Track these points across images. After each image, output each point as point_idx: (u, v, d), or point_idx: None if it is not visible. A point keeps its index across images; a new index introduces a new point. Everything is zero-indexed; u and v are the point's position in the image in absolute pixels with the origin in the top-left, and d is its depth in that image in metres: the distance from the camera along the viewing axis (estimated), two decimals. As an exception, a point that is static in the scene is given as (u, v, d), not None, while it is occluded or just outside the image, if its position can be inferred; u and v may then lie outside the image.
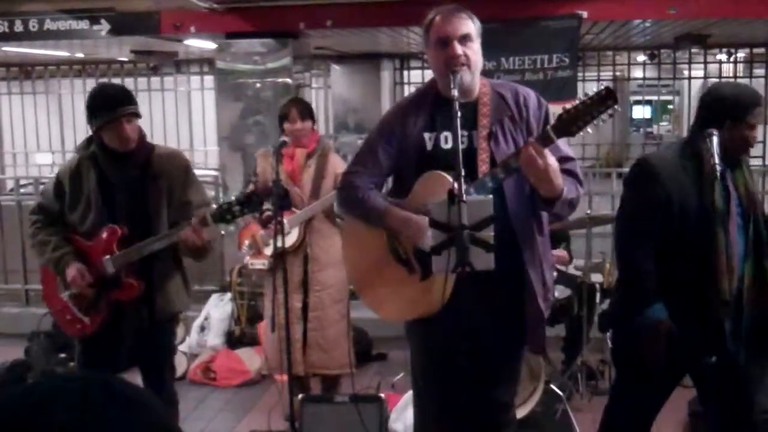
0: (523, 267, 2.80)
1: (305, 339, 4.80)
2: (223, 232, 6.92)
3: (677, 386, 3.31)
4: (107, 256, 3.47)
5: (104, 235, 3.48)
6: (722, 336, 3.03)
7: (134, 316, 3.56)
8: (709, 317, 3.03)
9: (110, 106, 3.39)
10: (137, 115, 3.47)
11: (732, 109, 2.95)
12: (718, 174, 2.77)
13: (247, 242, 4.94)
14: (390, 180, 3.07)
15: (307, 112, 4.76)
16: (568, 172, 2.75)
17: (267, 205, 4.42)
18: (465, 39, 2.74)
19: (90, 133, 3.54)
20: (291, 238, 4.70)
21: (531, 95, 2.89)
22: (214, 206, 3.49)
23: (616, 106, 2.57)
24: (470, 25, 2.77)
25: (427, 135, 2.85)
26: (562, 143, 2.77)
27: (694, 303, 3.03)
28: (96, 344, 3.62)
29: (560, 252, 5.38)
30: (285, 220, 4.59)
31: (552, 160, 2.58)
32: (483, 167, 2.75)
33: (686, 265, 3.01)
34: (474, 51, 2.77)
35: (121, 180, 3.51)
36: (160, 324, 3.66)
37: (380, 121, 3.02)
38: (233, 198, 3.43)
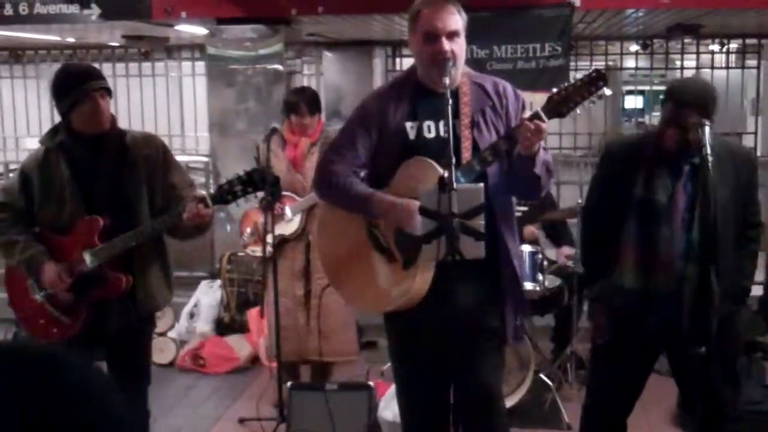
0: (508, 255, 2.83)
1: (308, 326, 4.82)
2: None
3: (652, 372, 3.35)
4: (86, 250, 3.19)
5: (83, 227, 3.21)
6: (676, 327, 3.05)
7: (119, 312, 3.28)
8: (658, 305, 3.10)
9: (79, 82, 3.15)
10: (109, 92, 3.22)
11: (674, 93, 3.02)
12: (710, 163, 2.76)
13: (248, 230, 4.96)
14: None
15: (315, 106, 4.78)
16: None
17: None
18: (453, 35, 2.74)
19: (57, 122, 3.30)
20: (293, 226, 4.72)
21: (508, 87, 2.92)
22: (213, 187, 3.28)
23: (605, 88, 2.64)
24: (459, 21, 2.76)
25: (409, 124, 2.83)
26: None
27: (647, 288, 3.10)
28: (72, 347, 3.21)
29: (532, 228, 5.41)
30: (287, 208, 4.64)
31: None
32: (466, 155, 2.75)
33: (634, 250, 3.10)
34: (460, 46, 2.77)
35: (97, 168, 3.25)
36: (140, 324, 3.38)
37: (358, 109, 2.96)
38: (235, 177, 3.19)
